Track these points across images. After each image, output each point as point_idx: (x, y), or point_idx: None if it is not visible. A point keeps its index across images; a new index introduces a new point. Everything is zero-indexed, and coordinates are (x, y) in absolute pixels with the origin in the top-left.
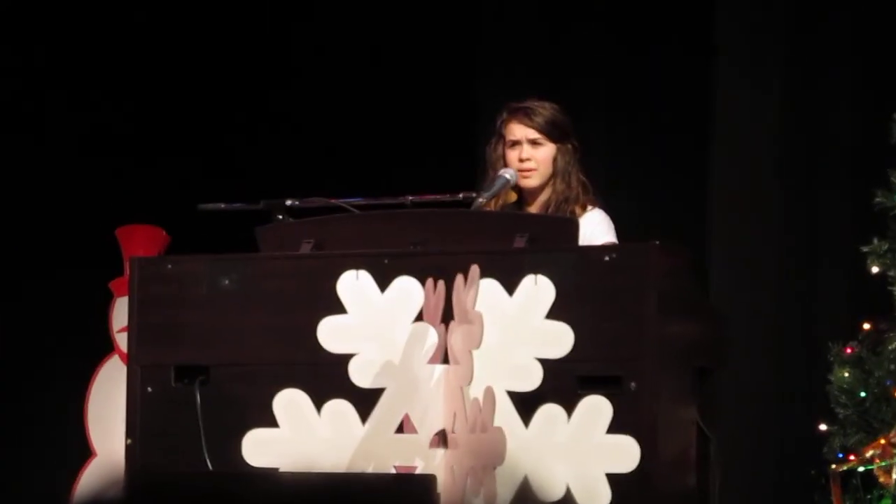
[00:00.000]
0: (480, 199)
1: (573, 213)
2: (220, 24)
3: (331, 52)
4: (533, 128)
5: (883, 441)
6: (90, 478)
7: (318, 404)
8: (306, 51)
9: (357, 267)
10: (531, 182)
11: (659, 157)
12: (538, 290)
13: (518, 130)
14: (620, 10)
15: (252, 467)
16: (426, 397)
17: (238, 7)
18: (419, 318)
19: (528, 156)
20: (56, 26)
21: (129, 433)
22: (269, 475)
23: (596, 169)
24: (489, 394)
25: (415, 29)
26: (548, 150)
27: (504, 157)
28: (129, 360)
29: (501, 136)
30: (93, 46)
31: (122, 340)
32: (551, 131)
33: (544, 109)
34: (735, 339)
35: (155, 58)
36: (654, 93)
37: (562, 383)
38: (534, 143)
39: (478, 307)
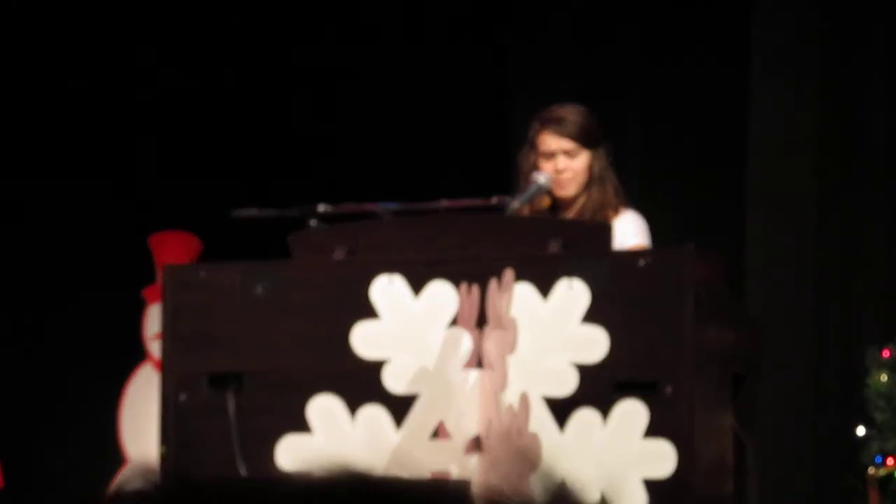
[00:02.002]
0: (515, 204)
1: (607, 218)
2: (253, 29)
3: (365, 59)
4: (567, 138)
5: None
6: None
7: (353, 410)
8: (340, 56)
9: (391, 272)
10: (569, 192)
11: (695, 162)
12: (573, 294)
13: (552, 142)
14: (656, 12)
15: (286, 474)
16: (461, 403)
17: (270, 11)
18: (453, 323)
19: (564, 167)
20: (77, 29)
21: (162, 440)
22: (301, 476)
23: (632, 174)
24: (524, 399)
25: (448, 34)
26: (583, 158)
27: (537, 166)
28: (163, 367)
29: (534, 147)
30: (119, 44)
31: (155, 348)
32: (585, 139)
33: (576, 117)
34: (771, 344)
35: (187, 62)
36: (690, 97)
37: (597, 388)
38: (568, 153)
39: (512, 312)
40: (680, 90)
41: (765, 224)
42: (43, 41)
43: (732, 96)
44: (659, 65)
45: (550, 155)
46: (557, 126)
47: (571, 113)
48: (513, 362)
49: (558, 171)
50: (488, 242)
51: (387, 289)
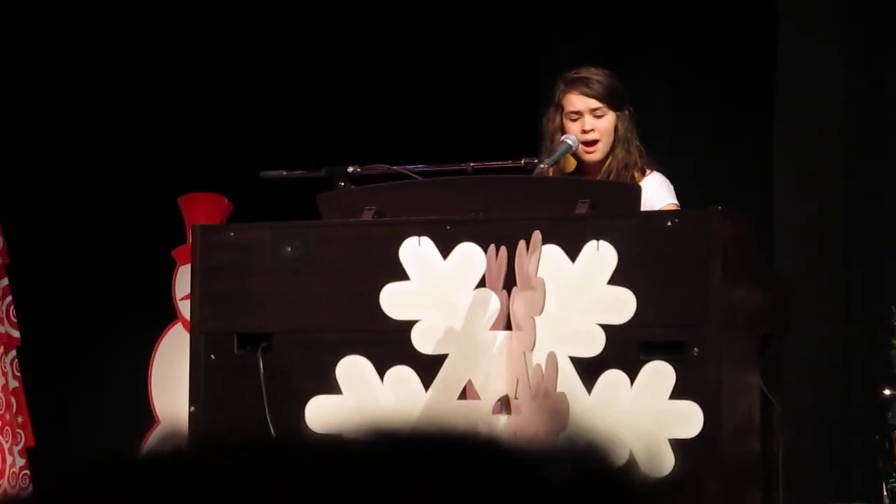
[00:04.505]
0: (542, 166)
1: (633, 178)
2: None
3: (395, 20)
4: (594, 97)
5: None
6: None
7: (381, 371)
8: (372, 18)
9: (419, 233)
10: (596, 155)
11: (722, 119)
12: (600, 255)
13: (578, 102)
14: None
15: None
16: (489, 364)
17: None
18: (481, 284)
19: (591, 126)
20: None
21: (192, 401)
22: (333, 436)
23: (659, 135)
24: (552, 360)
25: None
26: (609, 119)
27: (563, 128)
28: (193, 327)
29: (560, 108)
30: (154, 9)
31: (184, 308)
32: (611, 99)
33: (602, 77)
34: (799, 303)
35: (217, 23)
36: (719, 58)
37: (624, 349)
38: (595, 113)
39: (540, 273)
40: (707, 48)
41: (792, 182)
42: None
43: (760, 53)
44: (686, 22)
45: (576, 115)
46: (584, 86)
47: (597, 74)
48: (540, 323)
49: (584, 132)
50: (516, 204)
51: (415, 250)
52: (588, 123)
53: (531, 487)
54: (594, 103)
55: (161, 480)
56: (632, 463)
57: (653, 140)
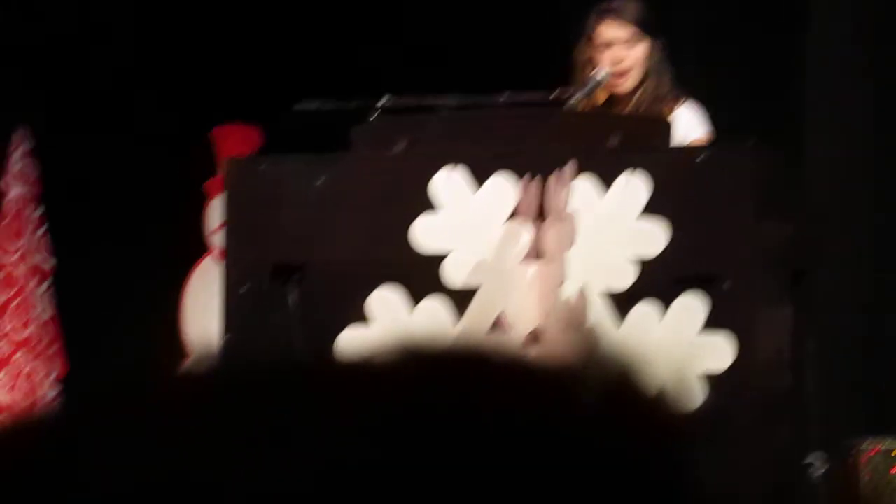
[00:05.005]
0: (574, 99)
1: (665, 110)
2: None
3: None
4: (624, 27)
5: None
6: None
7: (413, 302)
8: None
9: (451, 165)
10: (627, 85)
11: (754, 48)
12: (632, 188)
13: (609, 31)
14: None
15: None
16: (520, 296)
17: None
18: (513, 216)
19: (622, 56)
20: None
21: (224, 332)
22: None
23: (689, 63)
24: (583, 292)
25: None
26: (640, 48)
27: (594, 58)
28: (225, 259)
29: (591, 39)
30: None
31: (216, 240)
32: (642, 28)
33: (633, 7)
34: (831, 237)
35: None
36: None
37: (656, 282)
38: (626, 43)
39: (572, 206)
40: None
41: (825, 113)
42: None
43: None
44: None
45: (608, 45)
46: (615, 15)
47: (628, 4)
48: (571, 256)
49: (616, 62)
50: (549, 137)
51: (447, 181)
52: (619, 53)
53: (557, 412)
54: (624, 32)
55: (188, 396)
56: (663, 395)
57: (682, 70)
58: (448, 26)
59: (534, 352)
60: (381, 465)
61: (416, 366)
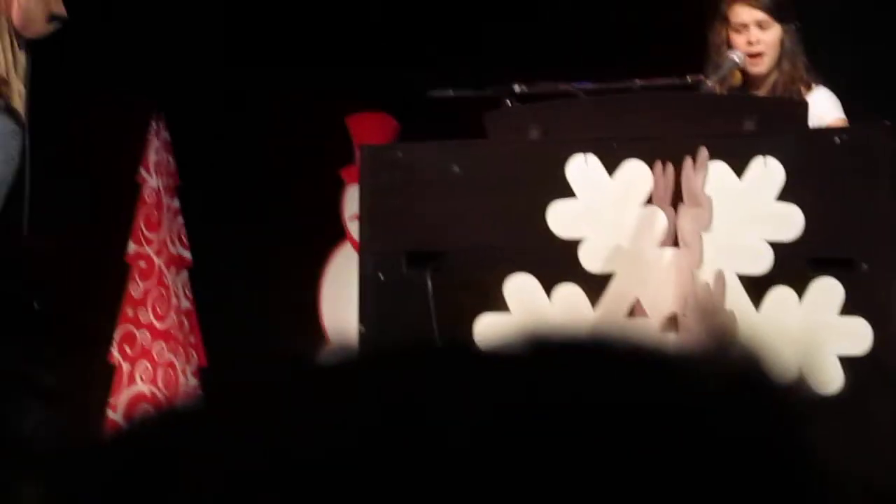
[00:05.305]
0: (709, 82)
1: (799, 93)
2: None
3: None
4: (760, 9)
5: None
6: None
7: (549, 289)
8: None
9: (586, 151)
10: (761, 68)
11: (888, 32)
12: (768, 172)
13: (744, 13)
14: None
15: None
16: (656, 281)
17: None
18: (648, 201)
19: (757, 38)
20: None
21: (361, 320)
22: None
23: (820, 51)
24: (720, 277)
25: None
26: (775, 31)
27: (728, 41)
28: (361, 247)
29: (726, 20)
30: None
31: (353, 228)
32: (778, 11)
33: None
34: None
35: None
36: None
37: (792, 266)
38: (761, 25)
39: (707, 190)
40: None
41: None
42: None
43: None
44: None
45: (743, 27)
46: None
47: None
48: (708, 240)
49: (750, 44)
50: (683, 121)
51: (582, 168)
52: (754, 35)
53: (680, 397)
54: (760, 15)
55: (326, 384)
56: (801, 380)
57: (816, 54)
58: (582, 11)
59: (671, 337)
60: (493, 453)
61: (543, 353)
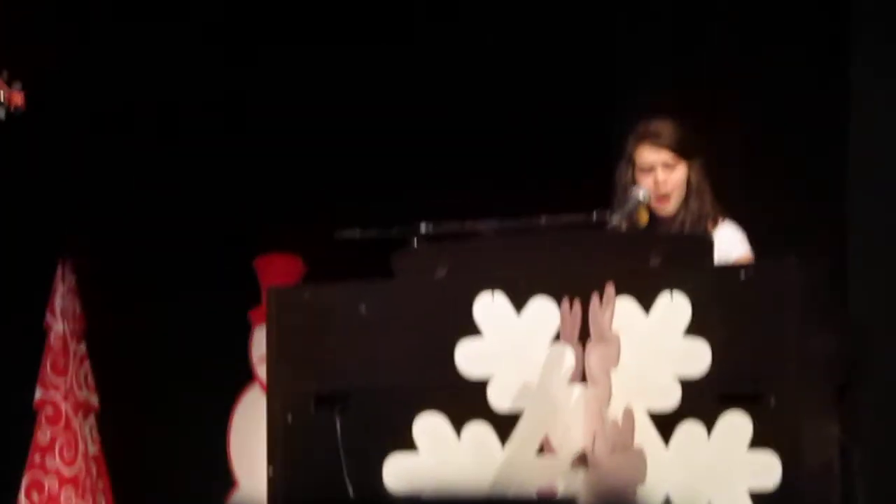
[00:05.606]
0: (614, 219)
1: (706, 229)
2: (353, 52)
3: (462, 74)
4: (665, 150)
5: None
6: None
7: (458, 428)
8: (436, 69)
9: (493, 289)
10: (669, 208)
11: (794, 160)
12: (675, 307)
13: (650, 155)
14: (751, 17)
15: (394, 493)
16: (566, 418)
17: (373, 39)
18: (556, 338)
19: (664, 179)
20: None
21: (270, 462)
22: (411, 499)
23: (729, 174)
24: (628, 413)
25: (548, 48)
26: (681, 170)
27: (635, 181)
28: (269, 389)
29: (632, 161)
30: (239, 71)
31: (262, 369)
32: (683, 151)
33: (672, 129)
34: (876, 348)
35: (295, 93)
36: (789, 99)
37: (701, 401)
38: (667, 166)
39: (615, 326)
40: (779, 93)
41: (866, 223)
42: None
43: (833, 95)
44: (756, 70)
45: (649, 168)
46: (655, 139)
47: (668, 126)
48: (616, 376)
49: (657, 185)
50: (589, 258)
51: (489, 306)
52: (660, 176)
53: None
54: (666, 156)
55: None
56: None
57: (723, 180)
58: (487, 151)
59: (581, 474)
60: None
61: None
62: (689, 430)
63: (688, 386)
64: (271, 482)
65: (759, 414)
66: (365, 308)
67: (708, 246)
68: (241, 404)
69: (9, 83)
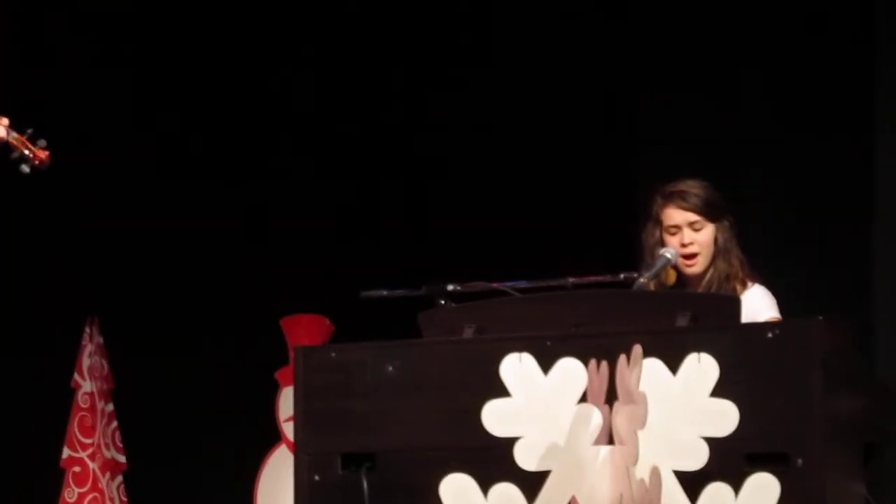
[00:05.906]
0: (641, 279)
1: (734, 290)
2: (374, 115)
3: (487, 136)
4: (691, 211)
5: None
6: None
7: (485, 488)
8: (461, 134)
9: (520, 350)
10: (696, 268)
11: (821, 228)
12: (702, 368)
13: (677, 215)
14: (781, 88)
15: None
16: (592, 479)
17: (391, 99)
18: (583, 399)
19: (690, 240)
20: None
21: None
22: None
23: (757, 242)
24: (655, 474)
25: (572, 111)
26: (708, 231)
27: (662, 241)
28: (296, 448)
29: (658, 222)
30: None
31: (288, 430)
32: (709, 212)
33: (699, 190)
34: None
35: (321, 151)
36: (815, 169)
37: (728, 461)
38: (693, 226)
39: (641, 387)
40: (803, 156)
41: (892, 286)
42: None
43: (857, 160)
44: (783, 131)
45: (675, 229)
46: (681, 200)
47: (694, 186)
48: (643, 437)
49: (684, 245)
50: (616, 318)
51: (516, 366)
52: (687, 237)
53: None
54: (692, 216)
55: None
56: None
57: (748, 247)
58: (514, 212)
59: None
60: None
61: None
62: (716, 490)
63: (715, 446)
64: None
65: (786, 475)
66: (392, 367)
67: (735, 305)
68: (268, 464)
69: (33, 141)
